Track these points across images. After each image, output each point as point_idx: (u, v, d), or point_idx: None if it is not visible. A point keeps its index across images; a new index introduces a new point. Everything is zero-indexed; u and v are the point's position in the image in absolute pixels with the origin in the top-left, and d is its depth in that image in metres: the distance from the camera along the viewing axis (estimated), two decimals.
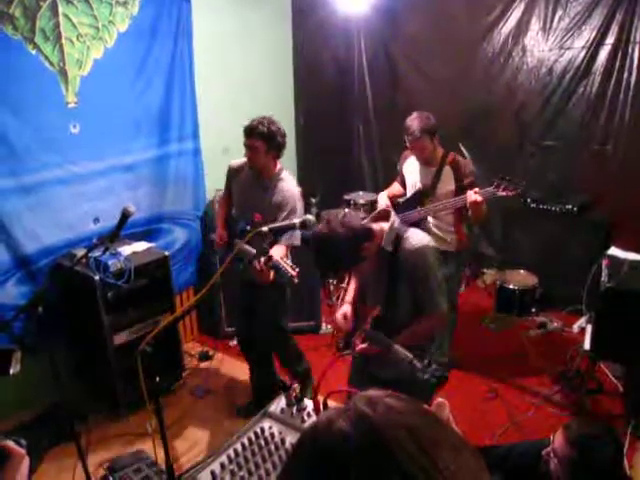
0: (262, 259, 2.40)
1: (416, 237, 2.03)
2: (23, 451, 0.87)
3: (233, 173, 3.07)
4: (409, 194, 3.27)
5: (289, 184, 2.91)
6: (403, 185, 3.36)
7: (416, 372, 1.74)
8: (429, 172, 3.13)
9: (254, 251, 2.38)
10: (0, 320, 2.92)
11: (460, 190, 3.01)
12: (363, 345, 2.03)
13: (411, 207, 3.17)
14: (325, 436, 0.60)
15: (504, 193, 2.82)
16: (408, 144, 3.06)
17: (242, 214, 3.02)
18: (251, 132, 2.79)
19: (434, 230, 3.16)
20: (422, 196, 3.15)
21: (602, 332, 2.84)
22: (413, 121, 2.98)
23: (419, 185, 3.19)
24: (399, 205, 3.27)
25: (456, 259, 3.24)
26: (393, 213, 2.12)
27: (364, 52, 4.97)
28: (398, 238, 2.02)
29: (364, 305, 2.28)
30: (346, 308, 2.28)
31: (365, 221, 2.08)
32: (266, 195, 2.88)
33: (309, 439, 0.62)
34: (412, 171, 3.25)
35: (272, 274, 2.60)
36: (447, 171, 3.09)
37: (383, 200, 3.36)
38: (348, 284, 4.23)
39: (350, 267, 1.99)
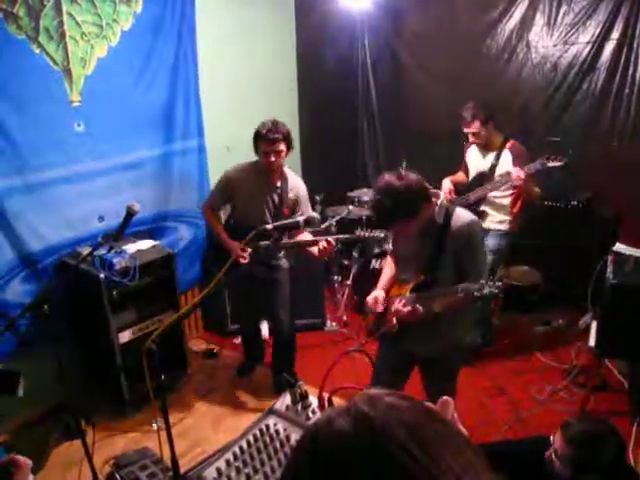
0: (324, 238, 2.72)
1: (465, 214, 2.17)
2: (29, 462, 0.88)
3: (237, 183, 3.04)
4: (471, 177, 3.50)
5: (296, 176, 3.16)
6: (467, 174, 3.58)
7: (476, 290, 1.96)
8: (489, 156, 3.37)
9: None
10: (6, 318, 2.94)
11: None
12: (407, 308, 2.13)
13: (471, 189, 3.44)
14: (325, 435, 0.59)
15: (554, 163, 3.03)
16: (464, 129, 3.32)
17: (254, 219, 2.94)
18: (275, 137, 2.84)
19: (490, 211, 3.41)
20: (482, 178, 3.38)
21: (607, 329, 2.82)
22: (467, 109, 3.25)
23: (480, 169, 3.41)
24: (462, 189, 3.51)
25: (507, 238, 3.44)
26: (441, 193, 2.24)
27: (368, 49, 4.95)
28: (447, 214, 2.14)
29: (399, 285, 2.34)
30: (378, 292, 2.35)
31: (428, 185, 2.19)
32: (281, 196, 3.02)
33: (309, 438, 0.62)
34: (474, 157, 3.48)
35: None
36: (506, 155, 3.30)
37: (446, 184, 3.55)
38: (353, 281, 4.25)
39: (408, 216, 2.04)
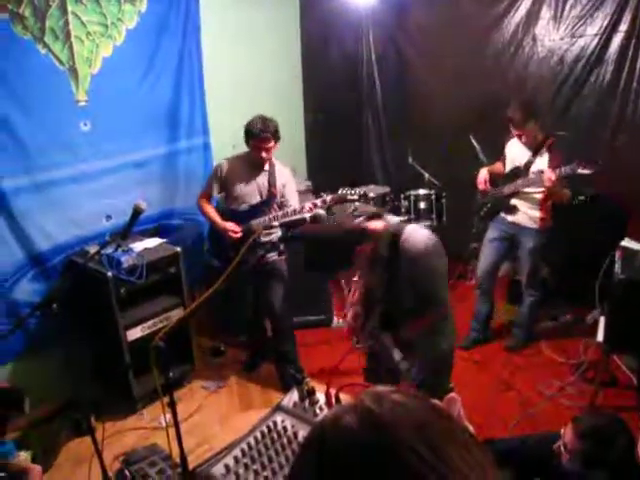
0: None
1: (415, 236, 2.00)
2: (39, 467, 0.90)
3: (229, 170, 3.23)
4: (507, 170, 3.51)
5: (282, 164, 3.28)
6: (504, 164, 3.58)
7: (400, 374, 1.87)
8: (527, 152, 3.35)
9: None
10: (15, 317, 2.97)
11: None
12: (370, 342, 2.14)
13: (507, 183, 3.46)
14: (332, 433, 0.59)
15: (584, 171, 3.00)
16: (513, 132, 3.30)
17: (246, 199, 3.21)
18: (265, 136, 3.00)
19: (521, 206, 3.42)
20: (517, 173, 3.39)
21: (615, 324, 2.81)
22: (516, 112, 3.20)
23: (516, 163, 3.42)
24: (498, 180, 3.53)
25: (539, 236, 3.42)
26: (386, 214, 2.15)
27: (372, 45, 4.93)
28: (396, 237, 2.01)
29: (369, 303, 2.29)
30: (354, 309, 2.30)
31: (359, 220, 2.07)
32: (270, 177, 3.19)
33: (316, 436, 0.62)
34: (513, 150, 3.48)
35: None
36: (543, 153, 3.29)
37: (483, 173, 3.59)
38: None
39: (344, 267, 2.01)
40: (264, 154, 3.05)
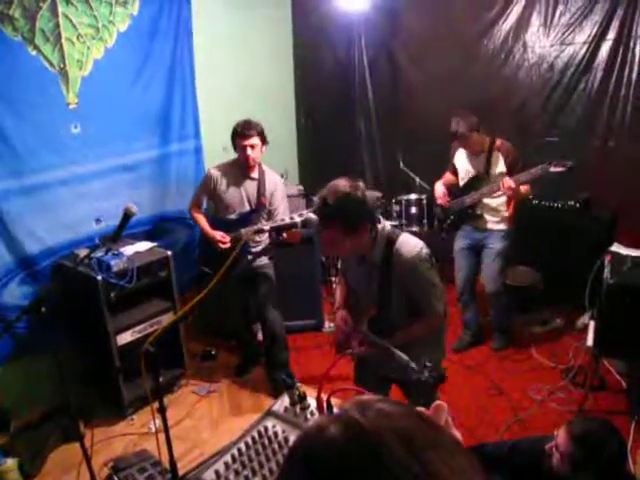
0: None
1: (409, 244, 2.02)
2: None
3: (217, 178, 3.23)
4: (464, 181, 3.53)
5: (272, 171, 3.30)
6: (454, 174, 3.63)
7: (413, 374, 1.76)
8: (480, 159, 3.41)
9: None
10: (3, 321, 2.93)
11: (510, 172, 3.28)
12: (361, 348, 2.08)
13: (467, 192, 3.49)
14: (315, 443, 0.59)
15: (556, 169, 3.06)
16: (459, 144, 3.39)
17: (234, 208, 3.22)
18: (249, 133, 3.05)
19: (486, 214, 3.47)
20: (477, 181, 3.43)
21: (605, 329, 2.83)
22: (458, 124, 3.24)
23: (473, 172, 3.45)
24: (457, 191, 3.56)
25: (509, 237, 3.49)
26: (382, 219, 2.12)
27: (365, 49, 4.95)
28: (390, 242, 2.02)
29: (356, 307, 2.27)
30: (342, 313, 2.27)
31: None
32: (259, 186, 3.20)
33: (300, 446, 0.61)
34: (464, 160, 3.52)
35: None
36: (496, 156, 3.36)
37: (440, 189, 3.62)
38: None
39: (345, 226, 1.94)
40: (249, 152, 3.07)
